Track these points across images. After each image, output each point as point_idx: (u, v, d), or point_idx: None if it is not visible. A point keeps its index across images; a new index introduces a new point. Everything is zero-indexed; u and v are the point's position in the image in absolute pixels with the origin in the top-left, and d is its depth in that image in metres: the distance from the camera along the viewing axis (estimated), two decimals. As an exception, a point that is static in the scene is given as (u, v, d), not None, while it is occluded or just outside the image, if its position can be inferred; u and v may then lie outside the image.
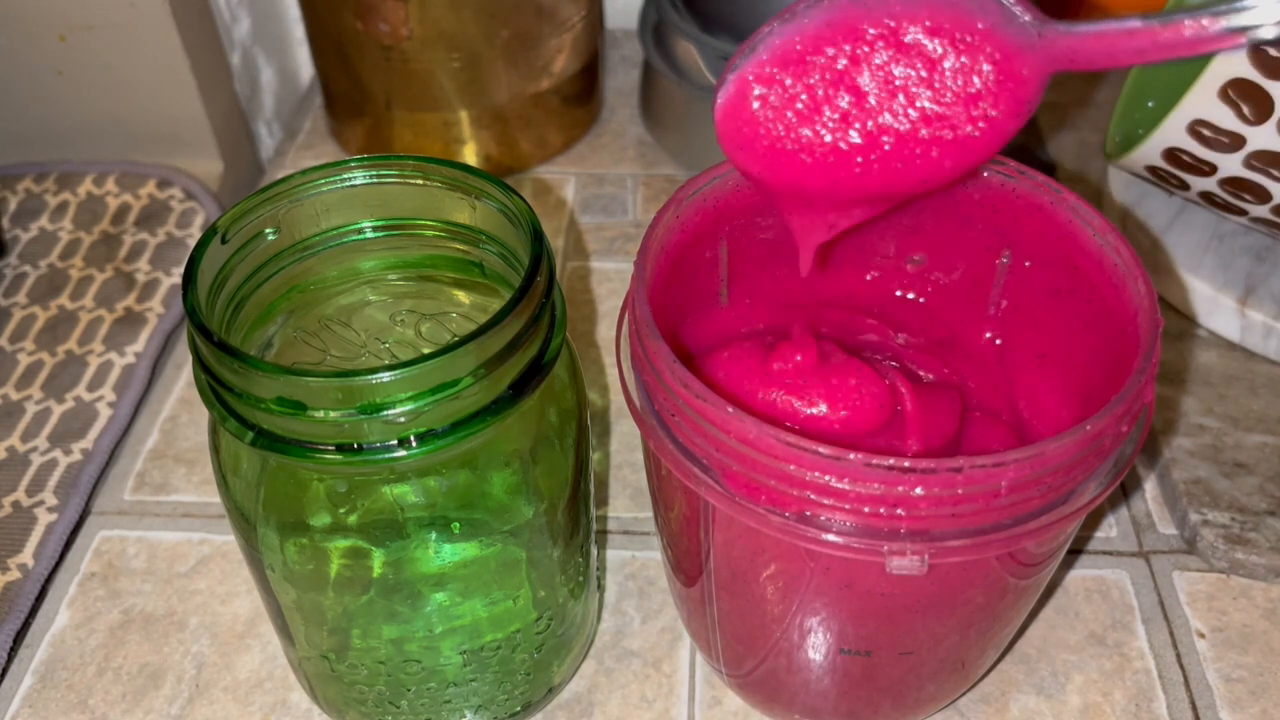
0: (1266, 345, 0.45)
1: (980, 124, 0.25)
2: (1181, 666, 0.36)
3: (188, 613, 0.38)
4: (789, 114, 0.26)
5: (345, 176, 0.29)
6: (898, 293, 0.35)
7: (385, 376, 0.24)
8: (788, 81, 0.26)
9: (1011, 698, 0.35)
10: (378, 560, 0.29)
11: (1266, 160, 0.37)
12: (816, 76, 0.26)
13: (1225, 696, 0.35)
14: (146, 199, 0.55)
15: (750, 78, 0.26)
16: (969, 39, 0.25)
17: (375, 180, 0.30)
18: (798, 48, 0.26)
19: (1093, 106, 0.60)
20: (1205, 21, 0.22)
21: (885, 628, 0.28)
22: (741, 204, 0.32)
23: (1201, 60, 0.36)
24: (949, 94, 0.25)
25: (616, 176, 0.58)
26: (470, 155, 0.57)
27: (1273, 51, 0.35)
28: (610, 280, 0.51)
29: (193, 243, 0.49)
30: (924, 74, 0.25)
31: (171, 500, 0.42)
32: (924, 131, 0.26)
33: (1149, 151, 0.40)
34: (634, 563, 0.40)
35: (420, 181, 0.30)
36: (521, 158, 0.58)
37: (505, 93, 0.55)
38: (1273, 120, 0.36)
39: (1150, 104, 0.45)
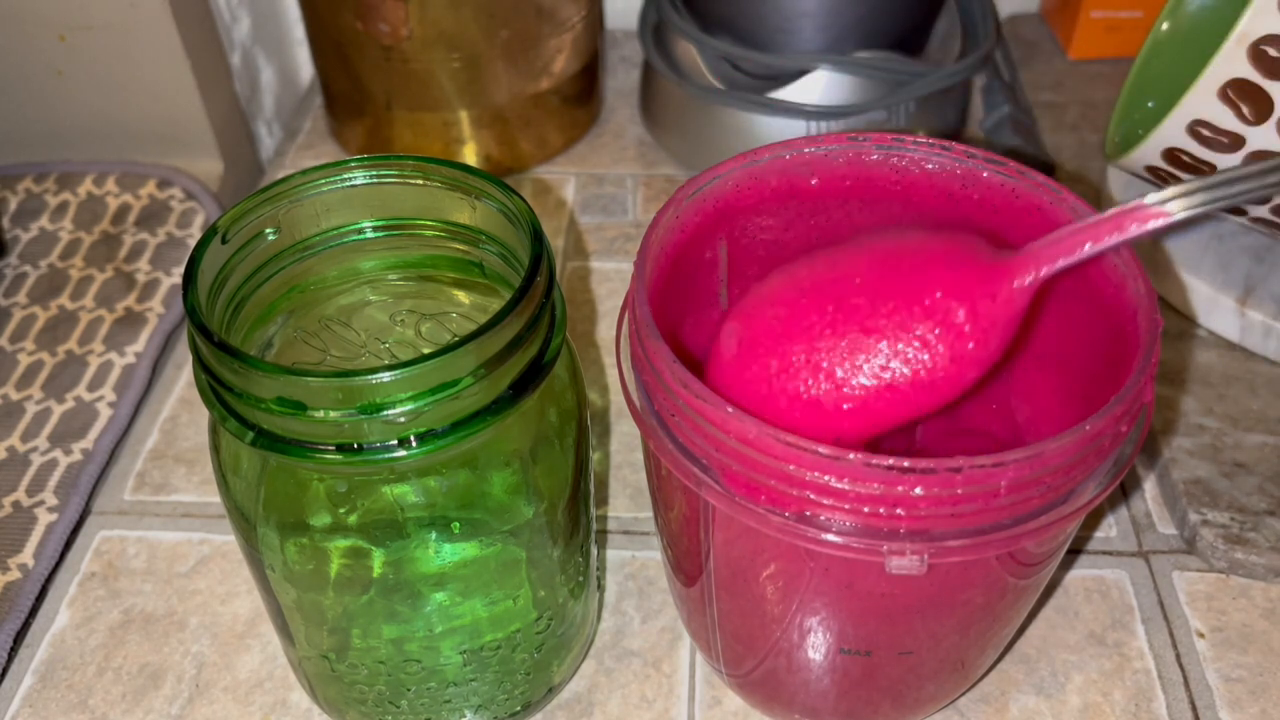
0: (1266, 345, 0.45)
1: (940, 368, 0.27)
2: (1181, 666, 0.36)
3: (188, 613, 0.38)
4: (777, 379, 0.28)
5: (345, 176, 0.29)
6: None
7: (385, 376, 0.24)
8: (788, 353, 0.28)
9: (1011, 698, 0.35)
10: (378, 560, 0.29)
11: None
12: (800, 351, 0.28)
13: (1225, 696, 0.35)
14: (146, 199, 0.55)
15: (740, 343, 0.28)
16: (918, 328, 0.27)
17: (375, 180, 0.30)
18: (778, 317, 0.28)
19: (1093, 106, 0.60)
20: (1127, 213, 0.26)
21: (885, 628, 0.28)
22: (741, 204, 0.32)
23: (1201, 60, 0.36)
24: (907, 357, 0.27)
25: (616, 176, 0.58)
26: (470, 155, 0.57)
27: (1272, 52, 0.35)
28: (610, 280, 0.51)
29: (193, 243, 0.49)
30: (884, 348, 0.27)
31: (171, 500, 0.42)
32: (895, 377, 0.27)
33: (1148, 151, 0.40)
34: (634, 563, 0.40)
35: (420, 181, 0.30)
36: (521, 158, 0.58)
37: (505, 93, 0.55)
38: (1272, 120, 0.36)
39: (1150, 104, 0.45)
